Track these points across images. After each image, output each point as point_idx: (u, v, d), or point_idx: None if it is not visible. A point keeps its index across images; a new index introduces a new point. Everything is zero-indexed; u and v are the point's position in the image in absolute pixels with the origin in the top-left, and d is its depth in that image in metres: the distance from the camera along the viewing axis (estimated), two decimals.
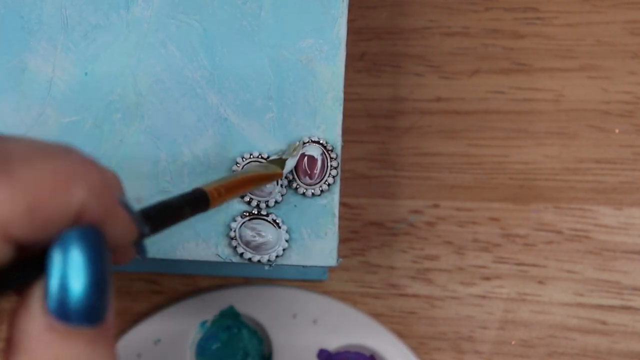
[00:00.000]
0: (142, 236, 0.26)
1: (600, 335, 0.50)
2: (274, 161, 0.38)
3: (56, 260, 0.23)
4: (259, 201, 0.39)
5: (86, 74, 0.40)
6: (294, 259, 0.39)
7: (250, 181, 0.36)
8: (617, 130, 0.52)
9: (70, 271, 0.22)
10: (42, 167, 0.22)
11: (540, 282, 0.50)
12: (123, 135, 0.39)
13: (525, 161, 0.51)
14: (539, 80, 0.52)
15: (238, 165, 0.39)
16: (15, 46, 0.40)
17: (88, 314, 0.23)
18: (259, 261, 0.38)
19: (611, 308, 0.50)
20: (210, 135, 0.39)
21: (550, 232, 0.51)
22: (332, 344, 0.49)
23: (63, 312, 0.22)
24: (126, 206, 0.25)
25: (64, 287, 0.22)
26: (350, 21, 0.40)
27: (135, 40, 0.40)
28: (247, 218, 0.38)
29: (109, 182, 0.24)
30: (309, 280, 0.50)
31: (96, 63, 0.40)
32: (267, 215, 0.39)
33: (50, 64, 0.40)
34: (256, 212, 0.39)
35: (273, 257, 0.38)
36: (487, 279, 0.51)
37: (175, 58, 0.40)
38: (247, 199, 0.39)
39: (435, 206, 0.51)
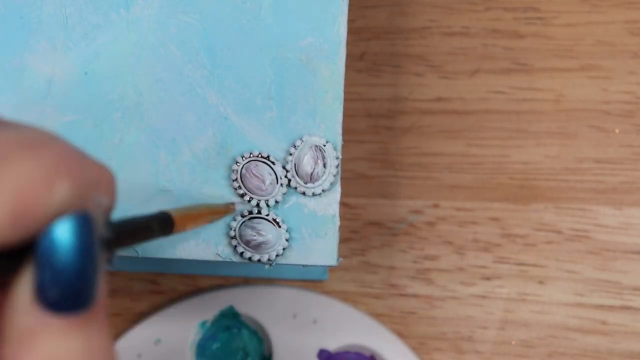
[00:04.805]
0: (106, 241, 0.25)
1: (600, 335, 0.50)
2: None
3: (45, 243, 0.22)
4: (259, 200, 0.39)
5: (86, 73, 0.40)
6: (294, 258, 0.39)
7: (207, 214, 0.37)
8: (617, 130, 0.52)
9: (59, 252, 0.22)
10: (23, 166, 0.21)
11: (541, 282, 0.50)
12: (123, 135, 0.39)
13: (525, 161, 0.51)
14: (539, 80, 0.52)
15: (238, 164, 0.39)
16: (15, 46, 0.40)
17: (79, 296, 0.22)
18: (259, 260, 0.38)
19: (611, 308, 0.50)
20: (210, 135, 0.39)
21: (550, 232, 0.51)
22: (332, 344, 0.49)
23: (52, 297, 0.22)
24: (99, 205, 0.24)
25: (53, 270, 0.22)
26: (350, 21, 0.40)
27: (135, 40, 0.40)
28: (247, 217, 0.38)
29: (92, 182, 0.23)
30: (309, 280, 0.50)
31: (96, 62, 0.40)
32: (267, 214, 0.39)
33: (50, 64, 0.40)
34: (256, 212, 0.39)
35: (273, 257, 0.38)
36: (487, 279, 0.50)
37: (175, 57, 0.40)
38: (247, 198, 0.39)
39: (435, 206, 0.51)
